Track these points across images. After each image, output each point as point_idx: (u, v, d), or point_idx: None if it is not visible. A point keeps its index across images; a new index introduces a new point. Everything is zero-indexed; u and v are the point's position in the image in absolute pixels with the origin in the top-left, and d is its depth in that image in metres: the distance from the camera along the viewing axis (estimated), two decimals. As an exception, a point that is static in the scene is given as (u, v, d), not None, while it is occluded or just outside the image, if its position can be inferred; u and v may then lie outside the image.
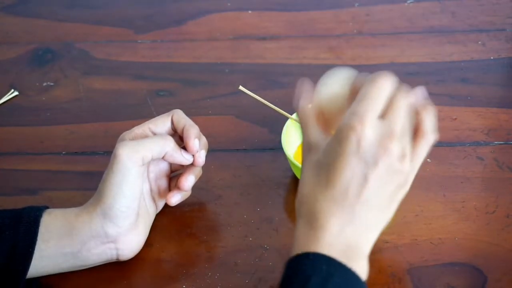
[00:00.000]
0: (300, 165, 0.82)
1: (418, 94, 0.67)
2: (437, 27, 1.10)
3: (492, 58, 1.04)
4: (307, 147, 0.68)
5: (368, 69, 1.00)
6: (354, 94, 0.67)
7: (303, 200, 0.66)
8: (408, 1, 1.15)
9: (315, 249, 0.63)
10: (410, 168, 0.65)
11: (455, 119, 0.94)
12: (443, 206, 0.83)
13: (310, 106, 0.69)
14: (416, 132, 0.66)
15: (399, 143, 0.64)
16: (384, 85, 0.65)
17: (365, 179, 0.63)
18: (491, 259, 0.78)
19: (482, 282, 0.75)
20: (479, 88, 0.99)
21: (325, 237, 0.63)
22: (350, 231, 0.63)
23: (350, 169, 0.63)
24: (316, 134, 0.68)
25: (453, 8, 1.14)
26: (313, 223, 0.64)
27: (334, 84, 0.70)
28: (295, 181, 0.87)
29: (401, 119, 0.65)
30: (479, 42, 1.07)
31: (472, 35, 1.08)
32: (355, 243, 0.64)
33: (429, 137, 0.66)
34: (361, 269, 0.63)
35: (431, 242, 0.79)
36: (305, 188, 0.66)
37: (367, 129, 0.63)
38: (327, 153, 0.65)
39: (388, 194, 0.65)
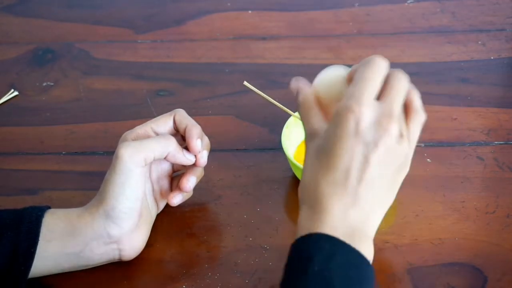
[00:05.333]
0: (300, 166, 0.83)
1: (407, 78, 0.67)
2: (437, 27, 1.10)
3: (492, 58, 1.04)
4: (309, 135, 0.67)
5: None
6: (351, 80, 0.67)
7: (305, 186, 0.65)
8: (408, 1, 1.15)
9: (318, 231, 0.62)
10: (408, 148, 0.65)
11: (455, 119, 0.94)
12: (443, 206, 0.83)
13: (310, 95, 0.69)
14: (407, 111, 0.66)
15: (398, 124, 0.64)
16: (379, 67, 0.66)
17: (366, 160, 0.63)
18: (491, 259, 0.78)
19: (482, 282, 0.75)
20: (479, 88, 0.99)
21: (328, 220, 0.63)
22: (354, 213, 0.63)
23: (350, 151, 0.63)
24: (318, 120, 0.67)
25: (453, 8, 1.14)
26: (316, 207, 0.63)
27: (331, 76, 0.71)
28: (295, 181, 0.87)
29: (398, 100, 0.65)
30: (479, 42, 1.07)
31: (472, 35, 1.08)
32: (359, 226, 0.63)
33: (421, 114, 0.67)
34: (367, 251, 0.63)
35: (431, 242, 0.79)
36: (307, 174, 0.66)
37: (365, 109, 0.63)
38: (326, 137, 0.65)
39: (390, 176, 0.65)
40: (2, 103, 1.01)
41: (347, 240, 0.62)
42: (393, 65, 1.03)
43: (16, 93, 1.02)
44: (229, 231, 0.82)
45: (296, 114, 0.89)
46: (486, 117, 0.94)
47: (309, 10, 1.15)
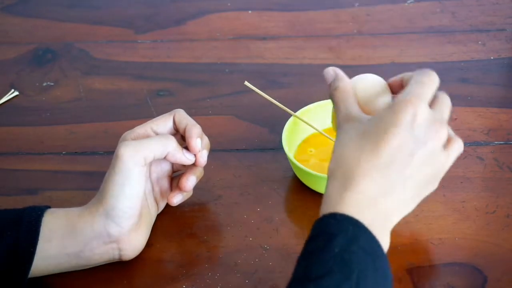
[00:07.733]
0: (300, 165, 0.83)
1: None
2: (437, 27, 1.10)
3: (492, 58, 1.04)
4: (346, 118, 0.69)
5: (368, 69, 1.00)
6: (396, 84, 0.71)
7: (341, 162, 0.66)
8: (408, 1, 1.15)
9: (344, 210, 0.63)
10: (445, 161, 0.68)
11: (455, 119, 0.94)
12: (443, 206, 0.83)
13: (350, 84, 0.72)
14: (448, 138, 0.69)
15: (446, 131, 0.67)
16: (434, 76, 0.69)
17: (411, 155, 0.65)
18: (491, 259, 0.77)
19: (482, 282, 0.75)
20: (479, 88, 0.99)
21: (357, 201, 0.64)
22: (383, 202, 0.64)
23: (400, 141, 0.64)
24: (356, 108, 0.70)
25: (453, 8, 1.14)
26: (349, 185, 0.64)
27: (370, 78, 0.74)
28: (295, 181, 0.87)
29: (447, 112, 0.69)
30: (479, 42, 1.07)
31: (472, 35, 1.08)
32: (383, 216, 0.64)
33: (461, 144, 0.70)
34: (384, 242, 0.64)
35: (431, 242, 0.79)
36: (345, 151, 0.66)
37: (424, 106, 0.66)
38: (378, 122, 0.66)
39: (425, 179, 0.67)
40: (2, 103, 1.01)
41: (369, 226, 0.63)
42: (393, 65, 1.04)
43: (16, 93, 1.02)
44: (229, 231, 0.82)
45: (297, 113, 0.89)
46: (486, 117, 0.94)
47: (309, 10, 1.15)
